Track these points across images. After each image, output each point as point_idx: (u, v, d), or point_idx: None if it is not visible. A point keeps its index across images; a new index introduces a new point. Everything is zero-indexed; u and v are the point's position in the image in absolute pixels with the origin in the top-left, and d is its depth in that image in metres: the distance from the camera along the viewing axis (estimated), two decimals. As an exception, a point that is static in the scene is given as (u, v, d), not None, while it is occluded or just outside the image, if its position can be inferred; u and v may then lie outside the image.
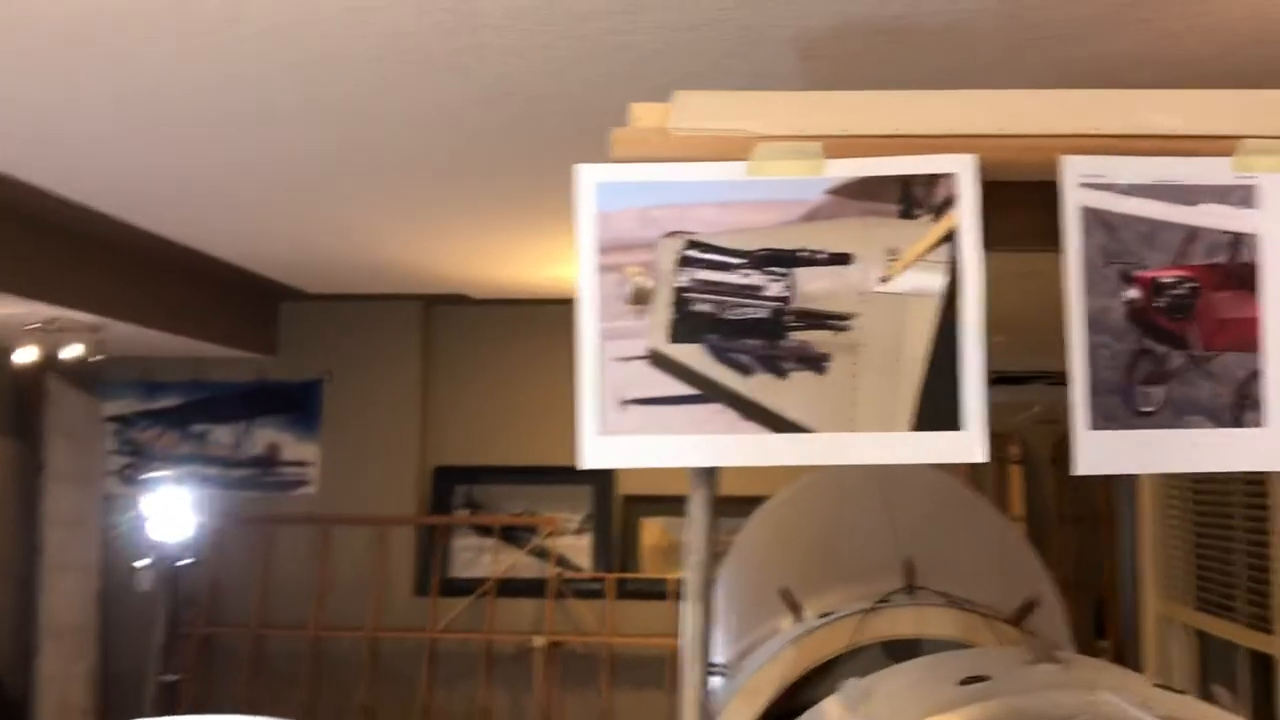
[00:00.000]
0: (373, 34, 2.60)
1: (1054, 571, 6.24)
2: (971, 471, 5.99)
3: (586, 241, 1.08)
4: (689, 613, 1.05)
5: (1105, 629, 6.01)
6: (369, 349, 6.22)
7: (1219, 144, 1.06)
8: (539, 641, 5.93)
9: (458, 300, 6.24)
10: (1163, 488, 5.19)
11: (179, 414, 6.33)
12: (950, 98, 1.10)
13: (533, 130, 3.31)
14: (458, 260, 5.28)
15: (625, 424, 1.07)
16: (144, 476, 6.00)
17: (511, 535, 6.22)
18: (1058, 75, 2.92)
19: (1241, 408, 1.06)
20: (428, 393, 6.30)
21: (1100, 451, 1.04)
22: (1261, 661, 4.31)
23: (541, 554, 6.17)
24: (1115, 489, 5.67)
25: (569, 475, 6.25)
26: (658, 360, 1.07)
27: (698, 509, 1.09)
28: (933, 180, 1.06)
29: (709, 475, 1.11)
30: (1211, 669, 5.01)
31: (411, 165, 3.73)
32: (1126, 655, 5.55)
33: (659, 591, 6.03)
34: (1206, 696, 4.47)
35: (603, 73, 2.86)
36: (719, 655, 2.32)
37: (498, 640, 5.97)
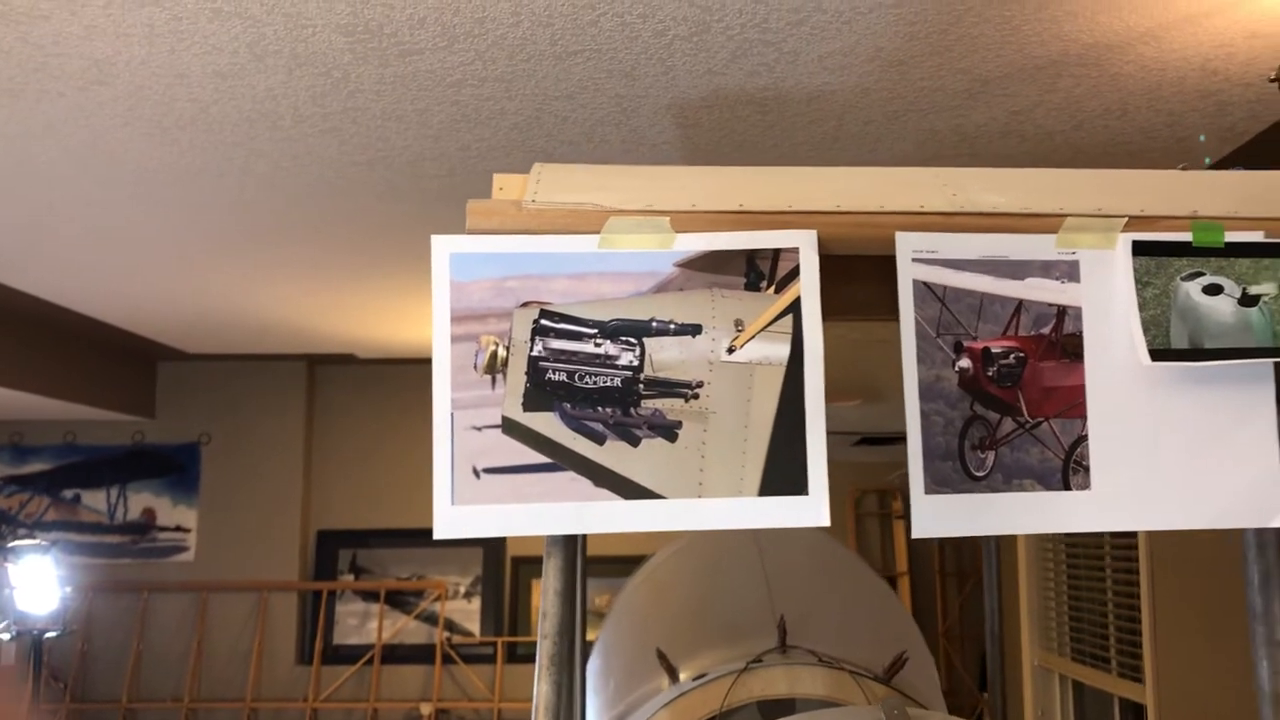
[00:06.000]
0: (242, 97, 2.59)
1: (939, 625, 6.35)
2: (855, 527, 6.10)
3: (440, 311, 1.09)
4: (540, 682, 1.05)
5: (988, 681, 6.13)
6: (251, 410, 6.10)
7: (1043, 221, 1.13)
8: (426, 709, 5.81)
9: (344, 360, 6.16)
10: (1037, 541, 5.35)
11: (49, 479, 6.11)
12: (791, 174, 1.14)
13: (411, 193, 3.32)
14: (343, 320, 5.23)
15: (479, 493, 1.07)
16: (10, 544, 5.75)
17: (398, 600, 6.11)
18: (921, 145, 3.06)
19: (1069, 472, 1.11)
20: (311, 454, 6.19)
21: (935, 515, 1.08)
22: (1134, 710, 4.45)
23: (429, 619, 6.07)
24: (982, 544, 5.83)
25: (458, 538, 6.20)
26: (511, 429, 1.08)
27: (553, 577, 1.10)
28: (775, 254, 1.10)
29: (565, 542, 1.13)
30: (1089, 718, 5.14)
31: (288, 226, 3.70)
32: (1006, 706, 5.67)
33: (549, 654, 5.98)
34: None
35: (479, 138, 2.90)
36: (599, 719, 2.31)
37: (383, 709, 5.83)
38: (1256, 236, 1.15)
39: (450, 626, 6.07)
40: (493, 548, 6.13)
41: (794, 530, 2.69)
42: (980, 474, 1.09)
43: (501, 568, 6.18)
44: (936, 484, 1.08)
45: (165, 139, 2.86)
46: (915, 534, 1.07)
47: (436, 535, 1.07)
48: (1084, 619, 4.94)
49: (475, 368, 1.09)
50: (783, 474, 1.08)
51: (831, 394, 1.40)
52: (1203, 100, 2.74)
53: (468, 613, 6.14)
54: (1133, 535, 4.30)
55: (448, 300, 1.10)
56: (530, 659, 6.08)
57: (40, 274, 4.26)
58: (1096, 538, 4.84)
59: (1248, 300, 1.12)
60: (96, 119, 2.71)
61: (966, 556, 6.23)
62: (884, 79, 2.65)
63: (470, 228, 1.11)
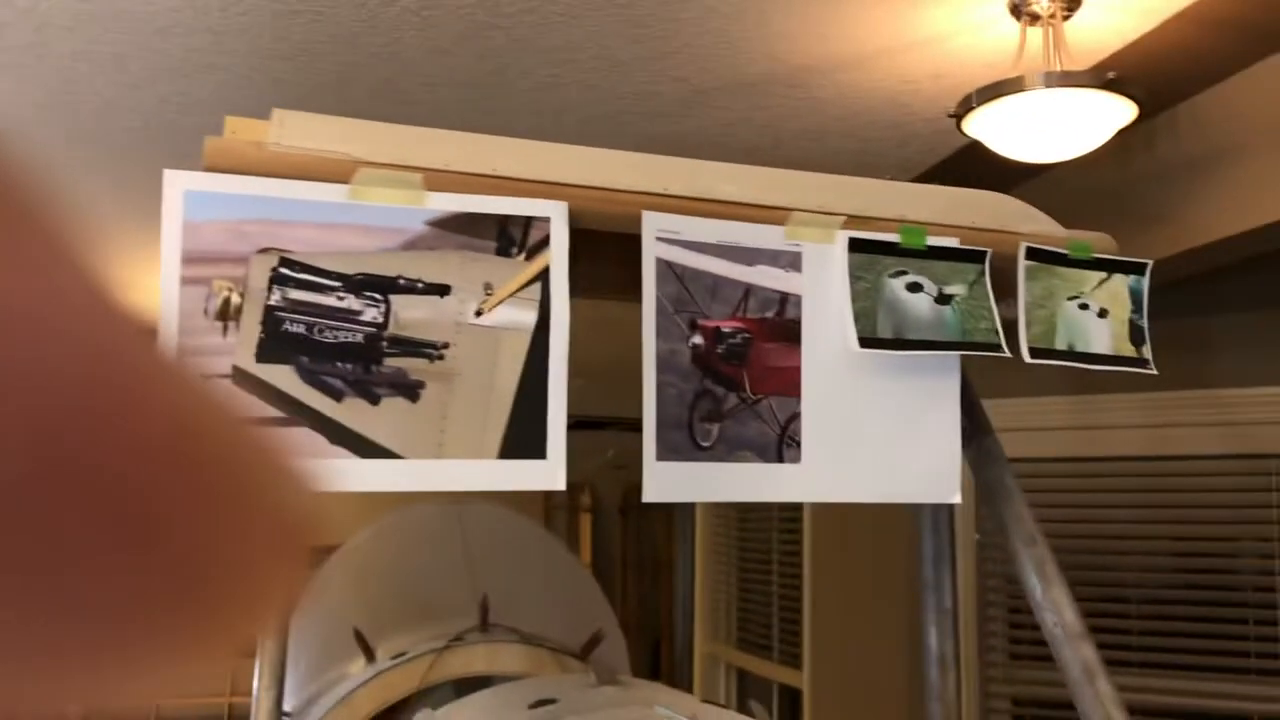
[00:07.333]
0: (-83, 15, 2.31)
1: (617, 615, 6.54)
2: (546, 519, 6.19)
3: (170, 251, 1.03)
4: (263, 646, 1.01)
5: (660, 668, 6.42)
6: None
7: (774, 214, 1.21)
8: (73, 705, 5.37)
9: None
10: (711, 536, 5.65)
11: None
12: (546, 148, 1.17)
13: (105, 141, 3.07)
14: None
15: (204, 445, 1.02)
16: None
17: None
18: (638, 148, 3.16)
19: (783, 446, 1.20)
20: None
21: (665, 481, 1.14)
22: (792, 695, 4.79)
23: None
24: (678, 537, 6.11)
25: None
26: (243, 379, 1.04)
27: (278, 535, 1.06)
28: (527, 222, 1.12)
29: (291, 501, 1.09)
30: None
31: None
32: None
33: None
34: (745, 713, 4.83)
35: (181, 91, 2.72)
36: (286, 702, 2.23)
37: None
38: (953, 243, 1.28)
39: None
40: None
41: (496, 513, 2.71)
42: (706, 444, 1.16)
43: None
44: (667, 451, 1.13)
45: None
46: (646, 498, 1.12)
47: (155, 487, 1.00)
48: (751, 608, 5.27)
49: (205, 313, 1.03)
50: (523, 438, 1.10)
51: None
52: (891, 130, 3.00)
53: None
54: (798, 532, 4.63)
55: (179, 240, 1.03)
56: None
57: None
58: (764, 534, 5.17)
59: (943, 299, 1.25)
60: None
61: (647, 550, 6.47)
62: (608, 78, 2.72)
63: (207, 166, 1.05)
